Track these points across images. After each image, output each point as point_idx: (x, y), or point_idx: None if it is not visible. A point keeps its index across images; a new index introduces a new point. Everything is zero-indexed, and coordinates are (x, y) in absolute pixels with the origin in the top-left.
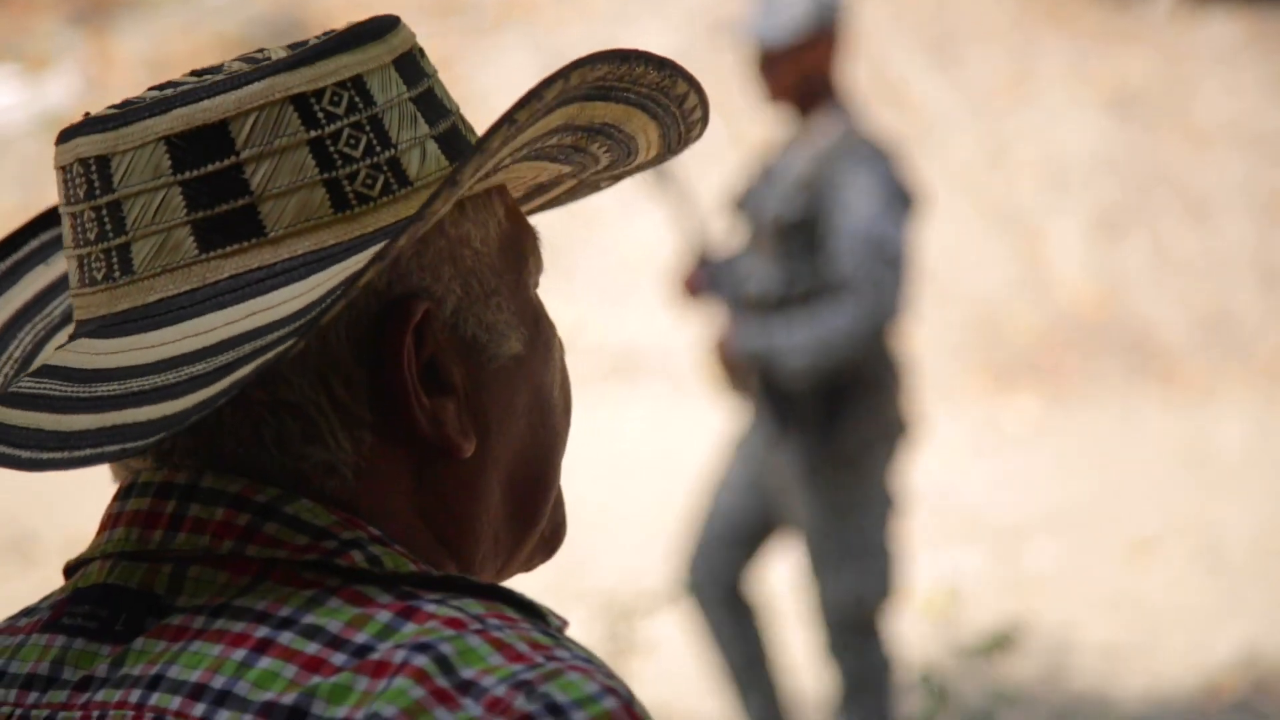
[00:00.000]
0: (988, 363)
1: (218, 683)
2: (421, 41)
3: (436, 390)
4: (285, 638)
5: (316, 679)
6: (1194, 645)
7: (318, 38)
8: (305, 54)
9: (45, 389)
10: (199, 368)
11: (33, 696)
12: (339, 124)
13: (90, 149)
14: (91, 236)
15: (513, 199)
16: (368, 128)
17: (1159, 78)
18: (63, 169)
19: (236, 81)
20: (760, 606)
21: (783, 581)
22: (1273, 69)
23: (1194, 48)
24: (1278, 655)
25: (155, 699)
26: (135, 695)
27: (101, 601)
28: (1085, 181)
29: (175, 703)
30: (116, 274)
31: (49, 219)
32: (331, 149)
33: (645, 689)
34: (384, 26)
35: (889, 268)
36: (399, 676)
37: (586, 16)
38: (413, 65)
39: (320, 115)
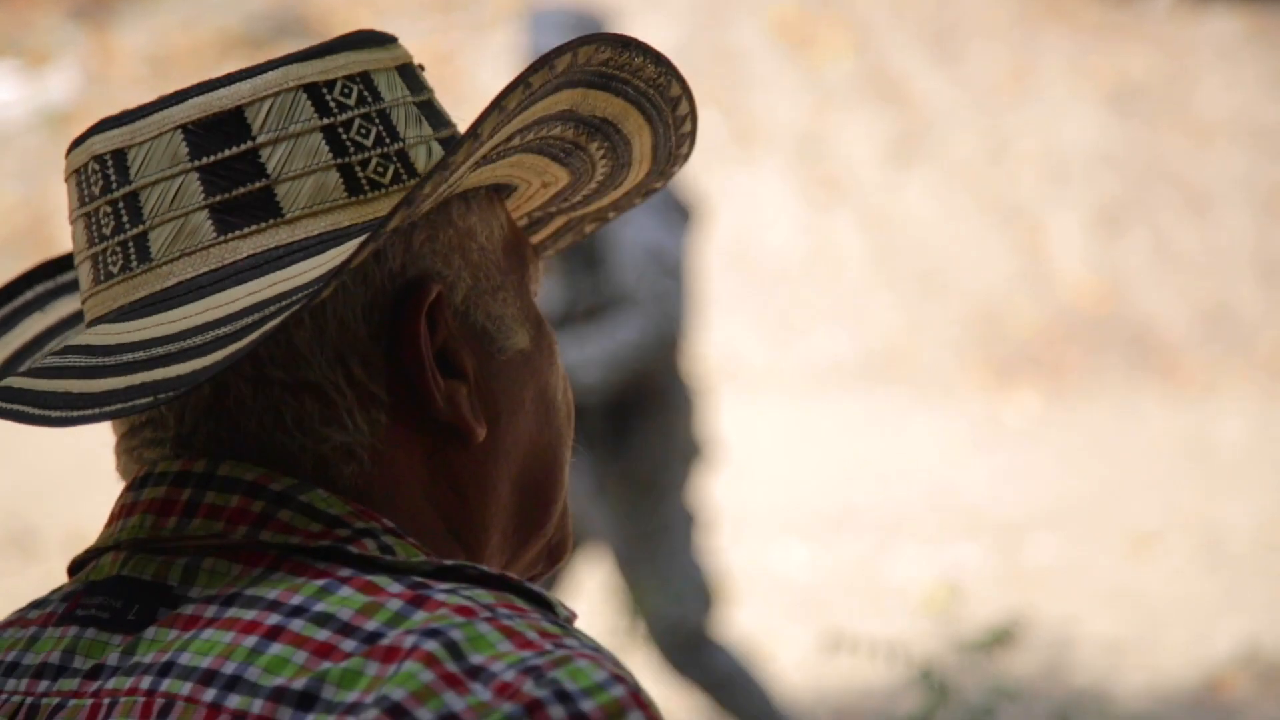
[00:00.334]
0: (989, 357)
1: (228, 669)
2: (421, 38)
3: (449, 375)
4: (296, 625)
5: (327, 664)
6: (1195, 640)
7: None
8: (315, 48)
9: (70, 362)
10: (224, 330)
11: (43, 685)
12: (350, 113)
13: (106, 145)
14: (108, 231)
15: (511, 216)
16: (377, 120)
17: (1160, 73)
18: (77, 171)
19: (250, 71)
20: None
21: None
22: (1273, 64)
23: (1194, 43)
24: (1278, 650)
25: (166, 685)
26: (146, 682)
27: (114, 593)
28: (1086, 176)
29: (186, 689)
30: (134, 264)
31: (43, 272)
32: (344, 136)
33: (644, 686)
34: (384, 37)
35: (670, 278)
36: (409, 661)
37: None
38: (414, 76)
39: (332, 104)
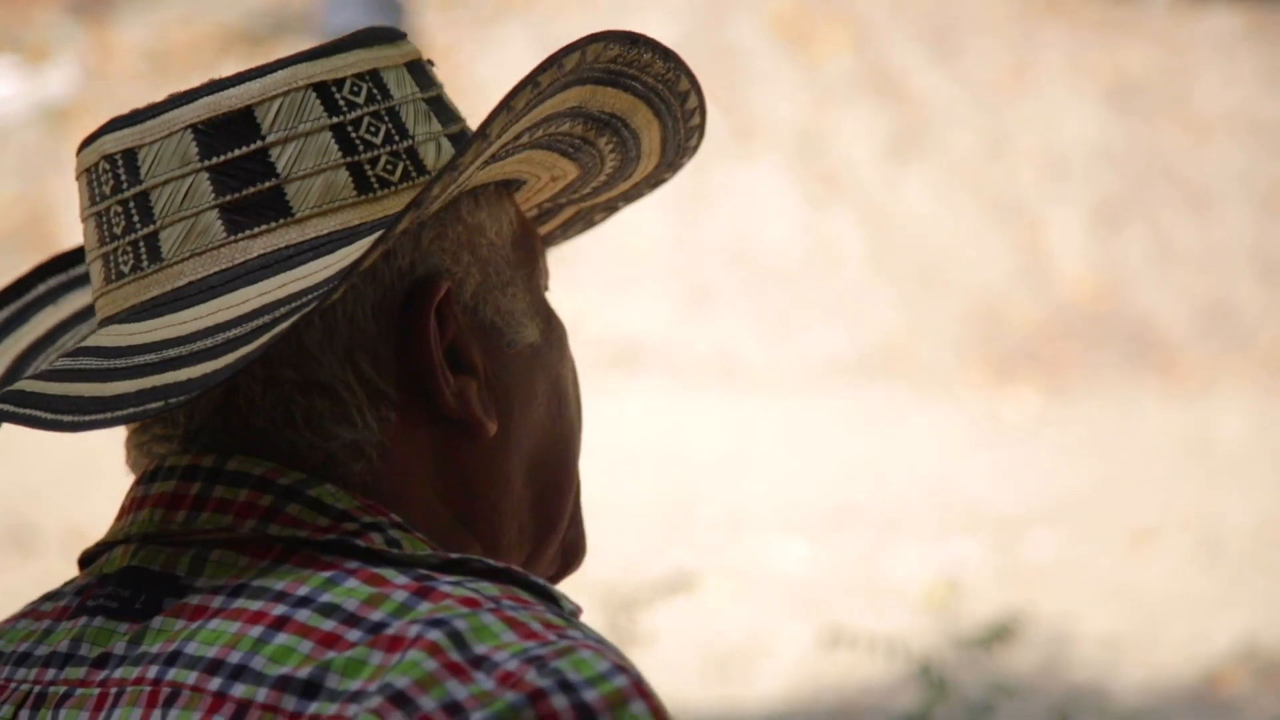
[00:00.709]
0: (987, 353)
1: (234, 658)
2: (422, 31)
3: (459, 370)
4: (302, 615)
5: (331, 654)
6: (1194, 636)
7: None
8: (323, 47)
9: (81, 365)
10: (235, 332)
11: (50, 673)
12: (359, 111)
13: (116, 145)
14: (119, 230)
15: (520, 210)
16: (386, 118)
17: (1159, 69)
18: (87, 171)
19: (259, 71)
20: None
21: None
22: (1272, 60)
23: (1193, 39)
24: (1278, 646)
25: (172, 674)
26: (153, 671)
27: (123, 582)
28: (1085, 173)
29: (192, 677)
30: (145, 263)
31: (53, 266)
32: (353, 135)
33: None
34: (394, 33)
35: None
36: (413, 650)
37: (586, 7)
38: (423, 72)
39: (341, 103)
